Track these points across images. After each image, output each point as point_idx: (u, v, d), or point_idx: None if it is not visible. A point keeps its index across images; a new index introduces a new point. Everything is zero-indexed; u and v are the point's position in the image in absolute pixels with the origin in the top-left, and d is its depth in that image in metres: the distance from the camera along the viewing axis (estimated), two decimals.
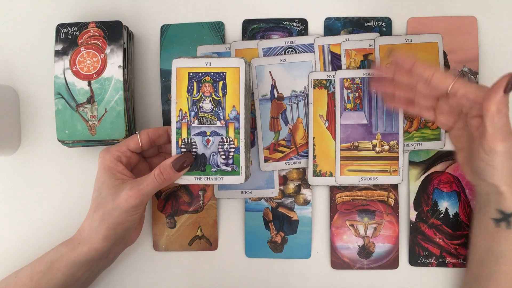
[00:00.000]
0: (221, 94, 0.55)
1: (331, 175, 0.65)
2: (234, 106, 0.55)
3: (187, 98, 0.55)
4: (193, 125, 0.55)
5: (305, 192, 0.66)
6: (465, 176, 0.61)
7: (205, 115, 0.55)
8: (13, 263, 0.66)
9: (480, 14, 0.66)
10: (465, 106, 0.54)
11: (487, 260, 0.56)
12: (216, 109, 0.55)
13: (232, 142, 0.55)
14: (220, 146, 0.55)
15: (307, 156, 0.66)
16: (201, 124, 0.55)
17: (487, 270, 0.56)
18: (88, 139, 0.62)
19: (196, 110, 0.55)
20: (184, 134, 0.55)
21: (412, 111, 0.60)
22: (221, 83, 0.55)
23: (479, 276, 0.57)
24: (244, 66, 0.55)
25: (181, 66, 0.55)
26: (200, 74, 0.55)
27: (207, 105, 0.55)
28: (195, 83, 0.55)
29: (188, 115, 0.55)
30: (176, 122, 0.55)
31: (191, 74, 0.55)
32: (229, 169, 0.55)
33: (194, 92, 0.55)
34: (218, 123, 0.55)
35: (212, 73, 0.55)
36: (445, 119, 0.58)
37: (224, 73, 0.55)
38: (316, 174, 0.65)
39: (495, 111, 0.50)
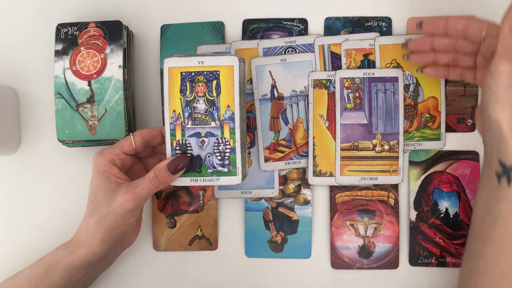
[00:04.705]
0: (215, 94, 0.54)
1: (331, 175, 0.65)
2: (228, 106, 0.54)
3: (180, 98, 0.54)
4: (187, 126, 0.55)
5: (305, 192, 0.66)
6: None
7: (199, 115, 0.55)
8: (14, 262, 0.67)
9: (480, 14, 0.65)
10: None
11: (485, 219, 0.53)
12: (211, 110, 0.54)
13: (227, 143, 0.55)
14: (215, 147, 0.55)
15: (307, 156, 0.65)
16: (196, 125, 0.55)
17: (484, 231, 0.53)
18: (88, 139, 0.62)
19: (190, 111, 0.54)
20: (178, 136, 0.55)
21: (454, 76, 0.60)
22: (214, 82, 0.54)
23: (477, 238, 0.54)
24: (238, 64, 0.54)
25: (173, 65, 0.54)
26: (193, 74, 0.54)
27: (201, 106, 0.54)
28: (188, 83, 0.54)
29: (181, 116, 0.55)
30: (170, 123, 0.55)
31: (183, 73, 0.54)
32: (225, 170, 0.55)
33: (187, 92, 0.54)
34: (213, 124, 0.55)
35: (205, 72, 0.54)
36: (484, 74, 0.56)
37: (218, 72, 0.54)
38: (316, 174, 0.65)
39: (507, 31, 0.49)
